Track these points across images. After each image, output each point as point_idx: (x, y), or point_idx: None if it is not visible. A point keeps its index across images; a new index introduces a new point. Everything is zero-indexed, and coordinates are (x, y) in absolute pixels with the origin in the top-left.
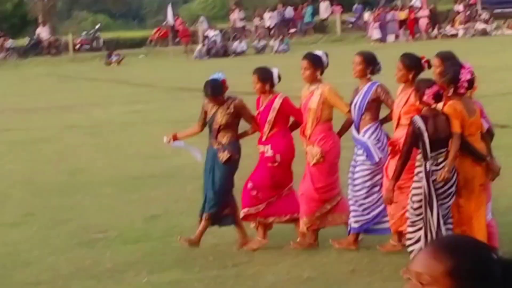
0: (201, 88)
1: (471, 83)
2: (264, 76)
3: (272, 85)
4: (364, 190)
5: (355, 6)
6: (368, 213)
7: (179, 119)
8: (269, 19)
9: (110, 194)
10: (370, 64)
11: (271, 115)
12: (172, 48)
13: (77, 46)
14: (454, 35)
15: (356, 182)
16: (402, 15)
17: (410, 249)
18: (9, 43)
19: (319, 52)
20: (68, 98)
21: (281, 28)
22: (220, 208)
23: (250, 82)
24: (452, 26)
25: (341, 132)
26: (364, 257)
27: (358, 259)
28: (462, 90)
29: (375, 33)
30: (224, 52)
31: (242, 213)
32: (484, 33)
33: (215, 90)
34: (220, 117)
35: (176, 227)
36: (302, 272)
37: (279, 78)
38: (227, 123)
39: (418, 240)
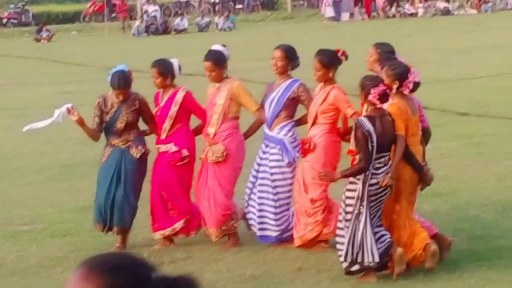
0: (139, 68)
1: (416, 87)
2: (165, 70)
3: (173, 78)
4: (288, 193)
5: None
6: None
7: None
8: None
9: (37, 182)
10: (291, 59)
11: (173, 110)
12: (108, 24)
13: (4, 21)
14: (414, 14)
15: (278, 184)
16: None
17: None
18: None
19: (218, 48)
20: (57, 76)
21: (227, 4)
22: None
23: (192, 62)
24: (412, 4)
25: (248, 133)
26: (311, 254)
27: (305, 256)
28: (405, 90)
29: (329, 11)
30: (165, 29)
31: (157, 234)
32: (446, 12)
33: (126, 82)
34: (126, 114)
35: None
36: (245, 270)
37: (180, 69)
38: (133, 120)
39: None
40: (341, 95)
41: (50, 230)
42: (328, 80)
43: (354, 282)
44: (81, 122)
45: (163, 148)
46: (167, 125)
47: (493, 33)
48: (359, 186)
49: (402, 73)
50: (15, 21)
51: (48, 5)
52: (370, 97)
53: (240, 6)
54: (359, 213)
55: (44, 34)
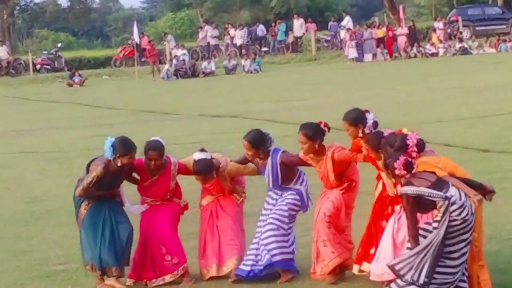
0: (168, 110)
1: (421, 146)
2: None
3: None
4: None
5: (330, 23)
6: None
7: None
8: (240, 37)
9: (71, 223)
10: (259, 146)
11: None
12: (138, 68)
13: (38, 66)
14: (435, 54)
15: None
16: (380, 33)
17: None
18: None
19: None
20: (28, 121)
21: (252, 47)
22: None
23: (219, 104)
24: (432, 44)
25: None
26: None
27: None
28: (414, 154)
29: (352, 52)
30: (193, 73)
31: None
32: (465, 51)
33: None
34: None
35: None
36: None
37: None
38: None
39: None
40: (340, 151)
41: (84, 270)
42: (317, 151)
43: None
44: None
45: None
46: None
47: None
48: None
49: (400, 147)
50: (49, 67)
51: (80, 51)
52: (397, 172)
53: (265, 48)
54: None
55: (77, 79)
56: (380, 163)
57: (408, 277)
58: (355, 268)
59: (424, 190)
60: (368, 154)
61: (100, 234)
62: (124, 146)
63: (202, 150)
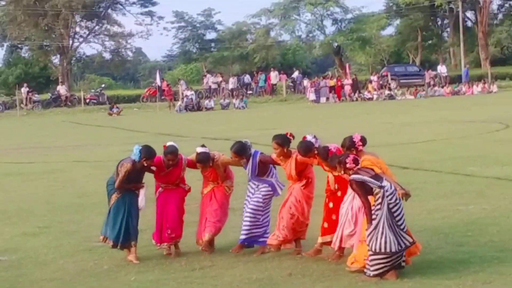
0: (181, 134)
1: (364, 140)
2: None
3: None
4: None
5: (296, 75)
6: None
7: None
8: (232, 83)
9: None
10: (243, 154)
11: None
12: (159, 103)
13: (87, 101)
14: (370, 99)
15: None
16: (332, 82)
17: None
18: (36, 97)
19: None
20: (79, 139)
21: (241, 90)
22: None
23: (218, 131)
24: (369, 92)
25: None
26: (298, 264)
27: (294, 265)
28: (360, 147)
29: (311, 96)
30: (198, 108)
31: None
32: (392, 97)
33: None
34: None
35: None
36: (252, 275)
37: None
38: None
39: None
40: (301, 157)
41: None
42: (285, 154)
43: (328, 283)
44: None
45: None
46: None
47: (424, 112)
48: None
49: (350, 144)
50: (95, 101)
51: (117, 90)
52: (348, 165)
53: (250, 92)
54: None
55: (115, 110)
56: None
57: (375, 248)
58: (319, 239)
59: (366, 179)
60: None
61: (120, 219)
62: (148, 151)
63: (203, 145)
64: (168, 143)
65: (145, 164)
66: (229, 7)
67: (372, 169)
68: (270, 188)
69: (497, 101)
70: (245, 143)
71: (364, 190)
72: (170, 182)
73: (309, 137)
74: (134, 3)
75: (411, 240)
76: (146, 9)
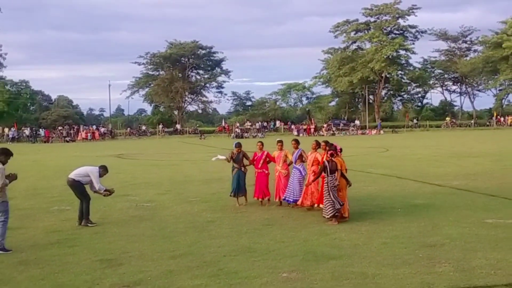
0: (232, 148)
1: (341, 150)
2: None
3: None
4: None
5: (288, 122)
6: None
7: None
8: (258, 125)
9: (199, 185)
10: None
11: (264, 157)
12: (223, 134)
13: (190, 132)
14: (323, 135)
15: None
16: (305, 126)
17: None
18: (165, 129)
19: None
20: (185, 150)
21: (262, 129)
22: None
23: (250, 147)
24: (322, 131)
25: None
26: (287, 212)
27: (286, 212)
28: (339, 153)
29: (295, 132)
30: (241, 136)
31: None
32: (333, 134)
33: (240, 145)
34: (241, 156)
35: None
36: (265, 215)
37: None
38: (241, 159)
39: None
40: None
41: (202, 200)
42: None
43: (301, 220)
44: (227, 160)
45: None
46: (261, 162)
47: (348, 142)
48: (327, 185)
49: (335, 149)
50: (193, 133)
51: (203, 127)
52: (328, 153)
53: (266, 130)
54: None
55: (202, 137)
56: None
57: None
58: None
59: (327, 166)
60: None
61: (235, 182)
62: (237, 144)
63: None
64: (236, 141)
65: (237, 150)
66: (258, 89)
67: (337, 164)
68: (298, 172)
69: (383, 138)
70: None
71: (321, 171)
72: (257, 167)
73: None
74: (213, 87)
75: (341, 203)
76: (219, 90)
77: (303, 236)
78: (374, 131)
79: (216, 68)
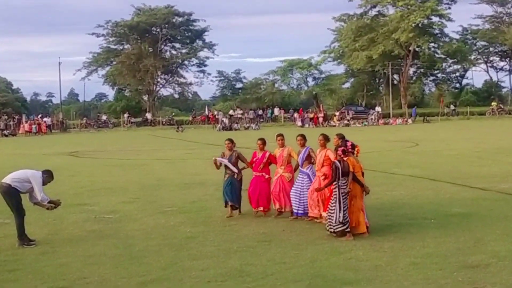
0: (218, 143)
1: (353, 147)
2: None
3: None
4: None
5: (290, 110)
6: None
7: (208, 157)
8: (251, 114)
9: (175, 190)
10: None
11: (266, 158)
12: (207, 125)
13: (163, 123)
14: (334, 125)
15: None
16: (311, 115)
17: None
18: (132, 120)
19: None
20: (157, 146)
21: (256, 118)
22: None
23: (241, 142)
24: (334, 121)
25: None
26: (289, 224)
27: (286, 225)
28: (350, 150)
29: (298, 123)
30: (230, 129)
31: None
32: (347, 125)
33: (232, 142)
34: (234, 158)
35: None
36: (260, 229)
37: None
38: (236, 161)
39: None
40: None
41: (180, 211)
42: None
43: (306, 236)
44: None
45: (259, 174)
46: (262, 165)
47: (367, 135)
48: (336, 191)
49: (345, 146)
50: (168, 123)
51: (181, 116)
52: (338, 153)
53: (262, 120)
54: (339, 204)
55: (180, 128)
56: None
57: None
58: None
59: (339, 167)
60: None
61: (224, 187)
62: (230, 140)
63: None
64: (228, 137)
65: (226, 152)
66: (251, 68)
67: (349, 165)
68: (307, 178)
69: (411, 129)
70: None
71: (335, 173)
72: (256, 170)
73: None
74: (193, 64)
75: (346, 219)
76: (201, 69)
77: (309, 256)
78: (399, 120)
79: (197, 41)
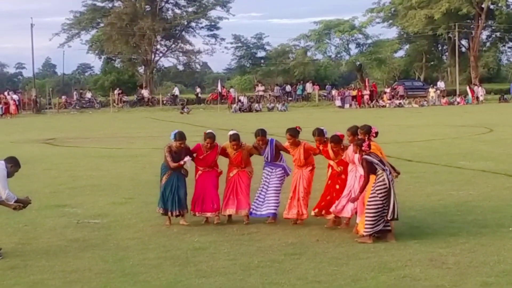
0: (234, 128)
1: (377, 133)
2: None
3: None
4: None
5: (327, 86)
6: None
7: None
8: (276, 91)
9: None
10: (265, 135)
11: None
12: (219, 105)
13: (164, 102)
14: (383, 106)
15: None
16: (354, 92)
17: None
18: (125, 98)
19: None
20: (157, 131)
21: (283, 97)
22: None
23: (263, 126)
24: (383, 100)
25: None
26: (324, 232)
27: (321, 233)
28: (372, 137)
29: (338, 103)
30: (249, 110)
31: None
32: (401, 105)
33: (183, 137)
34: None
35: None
36: (288, 239)
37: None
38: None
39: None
40: (308, 145)
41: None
42: (295, 143)
43: (347, 248)
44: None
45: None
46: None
47: (426, 118)
48: (386, 183)
49: (367, 131)
50: (170, 102)
51: (187, 94)
52: (363, 148)
53: (290, 98)
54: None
55: (185, 110)
56: (331, 154)
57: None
58: (312, 212)
59: (375, 161)
60: (323, 150)
61: (168, 191)
62: (180, 134)
63: (233, 129)
64: (208, 130)
65: (179, 145)
66: (276, 31)
67: (377, 155)
68: (283, 171)
69: (483, 110)
70: (264, 129)
71: (370, 168)
72: (207, 165)
73: (324, 130)
74: (202, 27)
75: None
76: (212, 32)
77: (351, 273)
78: (469, 97)
79: None
